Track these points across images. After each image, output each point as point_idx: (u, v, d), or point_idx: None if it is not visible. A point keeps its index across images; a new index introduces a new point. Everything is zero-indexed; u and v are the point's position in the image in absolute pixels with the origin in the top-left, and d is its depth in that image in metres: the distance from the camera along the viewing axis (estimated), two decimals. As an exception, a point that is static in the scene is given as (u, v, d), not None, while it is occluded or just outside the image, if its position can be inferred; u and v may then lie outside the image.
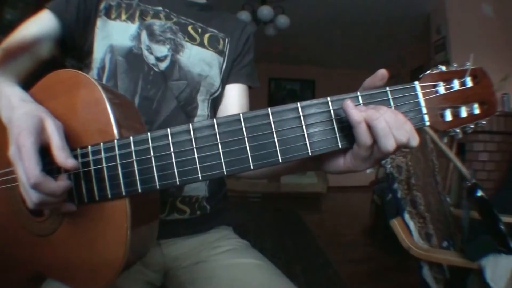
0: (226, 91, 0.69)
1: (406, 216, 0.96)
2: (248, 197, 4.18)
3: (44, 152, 0.39)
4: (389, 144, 0.33)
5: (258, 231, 2.69)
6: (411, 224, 0.95)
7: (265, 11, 3.04)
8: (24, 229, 0.48)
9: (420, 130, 0.36)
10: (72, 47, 0.59)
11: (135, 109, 0.47)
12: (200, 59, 0.64)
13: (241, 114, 0.35)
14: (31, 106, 0.43)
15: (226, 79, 0.69)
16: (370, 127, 0.33)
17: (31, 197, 0.38)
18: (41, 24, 0.55)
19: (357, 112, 0.33)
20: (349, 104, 0.34)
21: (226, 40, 0.69)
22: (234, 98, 0.69)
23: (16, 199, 0.48)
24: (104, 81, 0.58)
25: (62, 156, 0.38)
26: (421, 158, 1.13)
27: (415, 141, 0.34)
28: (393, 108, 0.35)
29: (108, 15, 0.59)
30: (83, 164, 0.40)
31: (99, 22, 0.58)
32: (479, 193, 0.99)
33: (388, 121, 0.33)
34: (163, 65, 0.61)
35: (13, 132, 0.40)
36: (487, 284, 0.80)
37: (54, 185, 0.38)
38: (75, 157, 0.40)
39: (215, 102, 0.68)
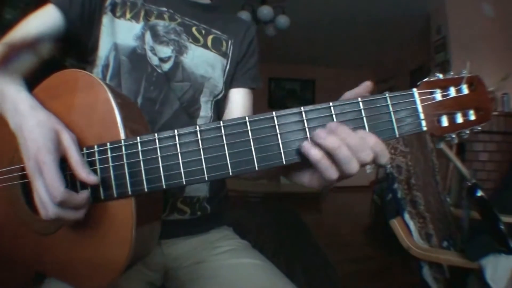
0: (231, 96, 0.70)
1: (406, 216, 0.96)
2: (248, 197, 4.17)
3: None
4: (352, 167, 0.34)
5: (258, 231, 2.69)
6: (411, 224, 0.96)
7: (265, 11, 3.04)
8: (26, 227, 0.48)
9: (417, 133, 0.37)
10: (75, 44, 0.58)
11: (139, 111, 0.48)
12: (203, 60, 0.64)
13: (247, 117, 0.36)
14: (43, 116, 0.42)
15: (230, 82, 0.69)
16: (332, 155, 0.34)
17: (50, 213, 0.38)
18: (45, 18, 0.54)
19: (315, 151, 0.34)
20: (305, 145, 0.34)
21: (229, 42, 0.69)
22: (239, 102, 0.69)
23: (17, 198, 0.48)
24: (107, 80, 0.58)
25: (84, 172, 0.39)
26: (421, 158, 1.13)
27: (384, 158, 0.35)
28: (366, 128, 0.35)
29: (113, 12, 0.59)
30: (89, 164, 0.40)
31: (105, 19, 0.58)
32: (479, 193, 0.99)
33: (351, 145, 0.33)
34: (166, 66, 0.60)
35: (28, 146, 0.40)
36: (487, 284, 0.80)
37: (79, 198, 0.38)
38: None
39: (219, 103, 0.68)
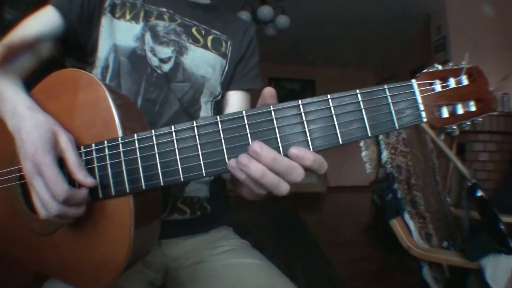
0: (229, 98, 0.70)
1: (406, 216, 0.96)
2: (248, 197, 4.17)
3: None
4: (282, 190, 0.33)
5: (258, 231, 2.69)
6: (411, 224, 0.95)
7: (265, 11, 3.05)
8: (25, 228, 0.48)
9: (420, 130, 0.36)
10: (75, 45, 0.58)
11: (138, 111, 0.47)
12: (203, 61, 0.64)
13: (244, 111, 0.36)
14: (40, 117, 0.42)
15: (228, 83, 0.69)
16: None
17: (52, 211, 0.38)
18: (44, 20, 0.55)
19: (240, 173, 0.33)
20: (230, 164, 0.33)
21: (229, 43, 0.69)
22: (237, 105, 0.69)
23: (16, 199, 0.48)
24: (107, 81, 0.58)
25: (81, 174, 0.39)
26: (421, 158, 1.13)
27: (323, 170, 0.34)
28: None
29: (112, 13, 0.59)
30: (86, 162, 0.40)
31: (104, 20, 0.58)
32: (479, 193, 0.99)
33: (278, 171, 0.32)
34: (166, 67, 0.60)
35: (26, 147, 0.40)
36: (487, 284, 0.80)
37: (81, 194, 0.39)
38: (79, 155, 0.41)
39: (218, 104, 0.68)
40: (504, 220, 0.92)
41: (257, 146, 0.32)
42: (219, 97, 0.68)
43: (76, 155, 0.40)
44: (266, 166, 0.32)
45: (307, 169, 0.34)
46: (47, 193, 0.38)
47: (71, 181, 0.40)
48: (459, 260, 0.87)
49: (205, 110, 0.64)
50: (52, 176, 0.38)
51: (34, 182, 0.39)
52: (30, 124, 0.41)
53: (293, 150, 0.33)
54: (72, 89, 0.44)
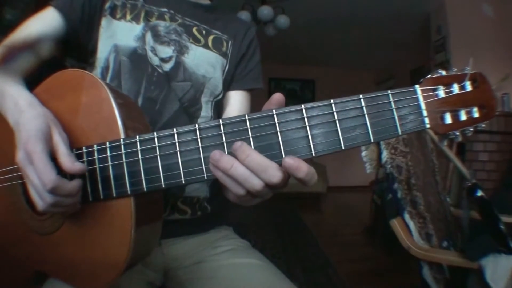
0: (229, 98, 0.69)
1: (406, 216, 0.96)
2: (248, 197, 4.16)
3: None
4: (254, 184, 0.33)
5: (258, 231, 2.69)
6: (411, 224, 0.96)
7: (265, 11, 3.04)
8: (26, 227, 0.48)
9: (420, 130, 0.36)
10: (75, 46, 0.59)
11: (140, 110, 0.47)
12: (204, 60, 0.64)
13: (246, 115, 0.36)
14: (39, 111, 0.43)
15: (229, 83, 0.69)
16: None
17: (46, 201, 0.38)
18: (45, 21, 0.55)
19: (215, 170, 0.34)
20: (211, 157, 0.33)
21: (229, 43, 0.69)
22: (237, 105, 0.69)
23: (17, 198, 0.48)
24: (108, 81, 0.58)
25: (69, 162, 0.38)
26: (421, 158, 1.13)
27: (312, 182, 0.33)
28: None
29: (113, 14, 0.59)
30: (88, 163, 0.40)
31: (104, 22, 0.58)
32: (479, 193, 0.99)
33: (250, 166, 0.33)
34: (167, 66, 0.61)
35: (21, 137, 0.40)
36: (487, 284, 0.80)
37: (70, 185, 0.38)
38: (81, 155, 0.41)
39: (218, 104, 0.68)
40: (504, 220, 0.92)
41: (237, 144, 0.33)
42: (220, 96, 0.68)
43: (67, 147, 0.40)
44: (239, 160, 0.33)
45: (298, 180, 0.33)
46: (39, 182, 0.37)
47: (64, 176, 0.40)
48: (459, 260, 0.87)
49: (206, 110, 0.64)
50: (41, 164, 0.37)
51: (27, 171, 0.38)
52: (29, 116, 0.41)
53: (288, 160, 0.32)
54: (74, 89, 0.44)
